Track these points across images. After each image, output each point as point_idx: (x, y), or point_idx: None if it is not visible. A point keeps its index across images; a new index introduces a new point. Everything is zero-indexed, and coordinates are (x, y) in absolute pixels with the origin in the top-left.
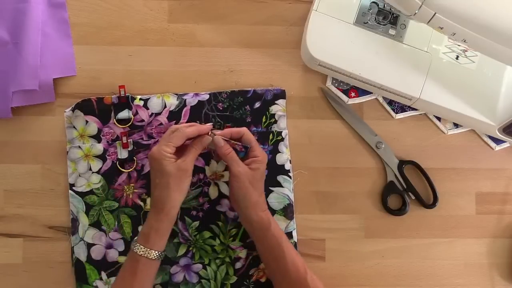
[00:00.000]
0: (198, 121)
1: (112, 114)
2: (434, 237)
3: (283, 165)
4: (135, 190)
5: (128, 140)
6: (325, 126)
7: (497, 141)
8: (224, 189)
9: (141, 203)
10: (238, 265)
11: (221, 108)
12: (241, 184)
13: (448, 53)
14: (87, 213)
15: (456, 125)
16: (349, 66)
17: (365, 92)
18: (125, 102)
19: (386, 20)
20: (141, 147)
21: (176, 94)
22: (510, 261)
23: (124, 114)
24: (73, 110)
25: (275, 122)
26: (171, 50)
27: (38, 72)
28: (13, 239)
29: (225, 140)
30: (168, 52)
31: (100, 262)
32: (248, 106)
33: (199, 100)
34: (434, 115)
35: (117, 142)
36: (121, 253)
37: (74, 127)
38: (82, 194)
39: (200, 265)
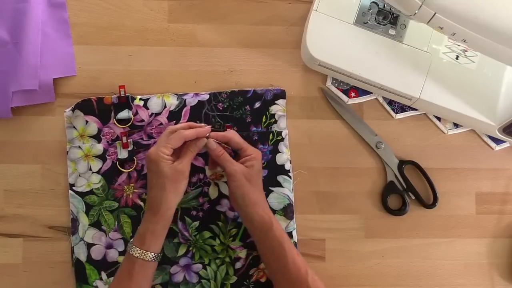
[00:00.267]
0: (198, 121)
1: (112, 114)
2: (434, 237)
3: (283, 165)
4: (135, 190)
5: (128, 140)
6: (325, 126)
7: (497, 141)
8: (224, 189)
9: (141, 203)
10: (238, 265)
11: (221, 108)
12: (238, 183)
13: (448, 53)
14: (87, 213)
15: (456, 125)
16: (349, 66)
17: (365, 92)
18: (125, 102)
19: (386, 20)
20: (141, 147)
21: (176, 94)
22: (510, 261)
23: (124, 114)
24: (73, 110)
25: (275, 122)
26: (171, 50)
27: (38, 72)
28: (13, 239)
29: (217, 143)
30: (168, 52)
31: (100, 262)
32: (248, 106)
33: (199, 100)
34: (434, 115)
35: (117, 142)
36: (121, 253)
37: (74, 127)
38: (82, 194)
39: (200, 265)
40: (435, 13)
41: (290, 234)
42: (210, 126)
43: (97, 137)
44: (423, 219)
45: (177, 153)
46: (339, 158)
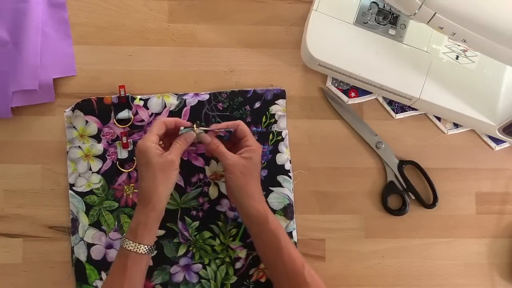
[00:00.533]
0: (198, 121)
1: (112, 114)
2: (434, 237)
3: (283, 165)
4: (135, 190)
5: (128, 140)
6: (325, 126)
7: (497, 141)
8: (224, 189)
9: None
10: (238, 265)
11: (221, 108)
12: (234, 175)
13: (448, 53)
14: (87, 213)
15: (456, 125)
16: (349, 66)
17: (365, 92)
18: (125, 102)
19: (386, 20)
20: None
21: (176, 94)
22: (510, 261)
23: (124, 114)
24: (73, 110)
25: (275, 122)
26: (171, 50)
27: (38, 72)
28: (13, 239)
29: (209, 130)
30: (168, 52)
31: (100, 262)
32: (248, 106)
33: (199, 100)
34: (434, 115)
35: (117, 142)
36: None
37: (74, 127)
38: (82, 194)
39: (200, 265)
40: (435, 13)
41: (290, 234)
42: (191, 122)
43: (97, 137)
44: (423, 219)
45: (169, 148)
46: (339, 158)
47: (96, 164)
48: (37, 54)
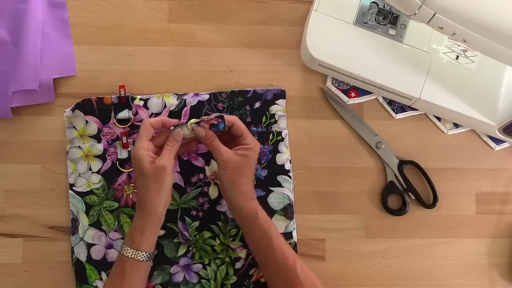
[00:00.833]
0: (183, 117)
1: (112, 114)
2: (434, 237)
3: (283, 165)
4: (135, 190)
5: (128, 140)
6: (325, 126)
7: (497, 141)
8: None
9: None
10: (238, 265)
11: (221, 108)
12: (226, 171)
13: (448, 53)
14: (87, 213)
15: (456, 125)
16: (349, 66)
17: (365, 92)
18: (125, 102)
19: (386, 20)
20: None
21: (176, 94)
22: (510, 261)
23: (124, 114)
24: (73, 110)
25: (275, 122)
26: (171, 50)
27: (38, 72)
28: (13, 239)
29: (200, 121)
30: (168, 52)
31: (100, 262)
32: (248, 106)
33: (199, 100)
34: (434, 115)
35: (117, 142)
36: None
37: (74, 127)
38: (82, 194)
39: (200, 265)
40: (435, 13)
41: (290, 234)
42: (177, 120)
43: (97, 137)
44: (423, 219)
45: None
46: (339, 158)
47: (96, 164)
48: (37, 54)
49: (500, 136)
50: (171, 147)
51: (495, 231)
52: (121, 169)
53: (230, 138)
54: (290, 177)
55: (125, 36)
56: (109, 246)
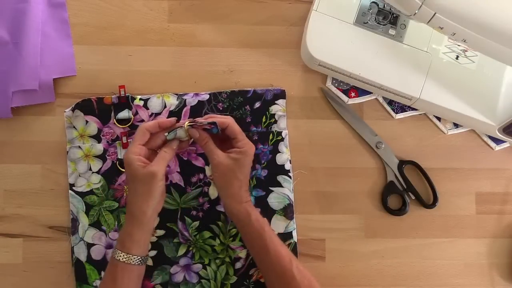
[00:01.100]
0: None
1: (112, 114)
2: (434, 237)
3: (283, 165)
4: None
5: (128, 140)
6: (325, 126)
7: (497, 141)
8: None
9: None
10: (238, 265)
11: (221, 108)
12: (218, 174)
13: (448, 53)
14: (87, 213)
15: (456, 125)
16: (349, 66)
17: (365, 92)
18: (125, 102)
19: (386, 20)
20: None
21: (176, 94)
22: (510, 261)
23: (124, 114)
24: (73, 110)
25: (275, 122)
26: (171, 50)
27: (38, 72)
28: (13, 239)
29: (194, 124)
30: (168, 52)
31: (100, 262)
32: (248, 106)
33: (199, 100)
34: (434, 115)
35: (117, 142)
36: None
37: (74, 127)
38: (82, 194)
39: (200, 265)
40: (435, 13)
41: (290, 234)
42: (174, 118)
43: (97, 137)
44: (423, 219)
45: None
46: (339, 158)
47: (96, 164)
48: (37, 54)
49: (500, 136)
50: (165, 154)
51: (495, 231)
52: (121, 169)
53: (226, 137)
54: (290, 177)
55: (125, 36)
56: (109, 246)
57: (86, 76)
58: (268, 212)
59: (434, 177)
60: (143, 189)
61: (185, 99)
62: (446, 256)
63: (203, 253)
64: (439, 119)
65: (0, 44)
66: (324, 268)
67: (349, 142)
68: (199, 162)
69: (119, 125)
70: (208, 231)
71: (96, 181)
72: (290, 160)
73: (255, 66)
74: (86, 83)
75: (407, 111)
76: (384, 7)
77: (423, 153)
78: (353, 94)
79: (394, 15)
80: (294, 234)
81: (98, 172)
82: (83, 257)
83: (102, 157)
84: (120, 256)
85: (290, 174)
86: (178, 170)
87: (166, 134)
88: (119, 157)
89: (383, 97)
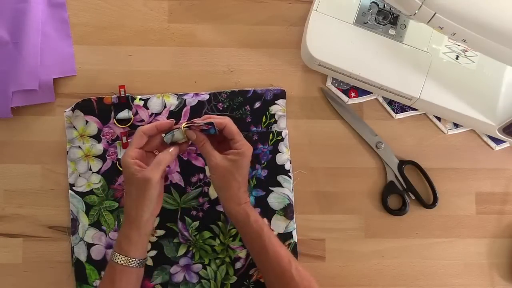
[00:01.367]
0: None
1: (112, 114)
2: (434, 237)
3: (283, 165)
4: None
5: (128, 140)
6: (325, 126)
7: (497, 141)
8: None
9: None
10: (238, 265)
11: (221, 108)
12: (215, 176)
13: (448, 53)
14: (87, 213)
15: (456, 125)
16: (349, 66)
17: (365, 92)
18: (125, 102)
19: (386, 20)
20: None
21: (176, 94)
22: (510, 261)
23: (124, 114)
24: (73, 110)
25: (275, 122)
26: (171, 50)
27: (38, 72)
28: (13, 239)
29: (191, 125)
30: (168, 52)
31: (100, 262)
32: (248, 106)
33: (199, 100)
34: (434, 115)
35: (117, 142)
36: None
37: (74, 127)
38: (82, 194)
39: (200, 265)
40: (435, 13)
41: (290, 234)
42: (173, 120)
43: (97, 137)
44: (423, 219)
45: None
46: (339, 158)
47: (96, 164)
48: (37, 54)
49: (500, 136)
50: (162, 159)
51: (495, 231)
52: (121, 169)
53: (224, 138)
54: (290, 177)
55: (125, 36)
56: (109, 246)
57: (86, 76)
58: (268, 212)
59: (434, 177)
60: (138, 194)
61: (185, 99)
62: (446, 256)
63: (203, 253)
64: (439, 119)
65: (0, 44)
66: (324, 268)
67: (349, 142)
68: (199, 162)
69: (119, 125)
70: (208, 231)
71: (96, 181)
72: (290, 160)
73: (255, 66)
74: (86, 83)
75: (407, 111)
76: (384, 7)
77: (423, 153)
78: (353, 94)
79: (394, 15)
80: (294, 234)
81: (98, 172)
82: (83, 257)
83: (102, 157)
84: (119, 258)
85: (290, 174)
86: (178, 170)
87: (163, 135)
88: (119, 157)
89: (383, 97)
